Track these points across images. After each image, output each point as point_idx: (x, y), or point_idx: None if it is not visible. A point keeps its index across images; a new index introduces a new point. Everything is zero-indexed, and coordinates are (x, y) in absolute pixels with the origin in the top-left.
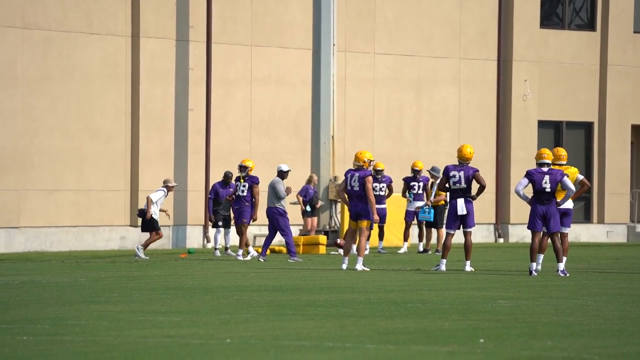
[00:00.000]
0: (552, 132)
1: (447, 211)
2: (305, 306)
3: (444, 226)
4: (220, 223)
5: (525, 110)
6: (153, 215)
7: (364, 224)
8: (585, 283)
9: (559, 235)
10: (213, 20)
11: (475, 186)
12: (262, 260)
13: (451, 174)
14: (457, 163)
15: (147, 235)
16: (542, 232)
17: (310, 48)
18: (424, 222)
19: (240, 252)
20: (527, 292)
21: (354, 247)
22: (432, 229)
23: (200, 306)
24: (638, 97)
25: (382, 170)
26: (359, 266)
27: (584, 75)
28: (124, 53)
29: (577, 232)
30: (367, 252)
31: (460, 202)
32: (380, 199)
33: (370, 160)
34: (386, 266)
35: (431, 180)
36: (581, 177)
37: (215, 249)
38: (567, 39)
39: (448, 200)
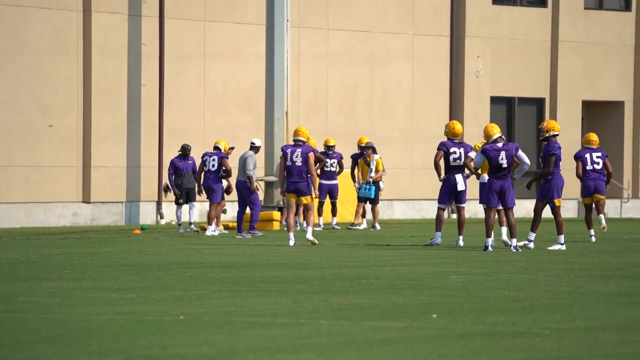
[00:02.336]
0: (505, 107)
1: (441, 186)
2: (259, 282)
3: (438, 201)
4: (181, 200)
5: (477, 86)
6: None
7: (306, 199)
8: (537, 258)
9: (512, 211)
10: None
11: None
12: (241, 236)
13: (451, 150)
14: (446, 139)
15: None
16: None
17: (264, 23)
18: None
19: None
20: (480, 268)
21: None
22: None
23: (154, 283)
24: (589, 73)
25: (333, 146)
26: (309, 235)
27: (535, 51)
28: (75, 28)
29: (528, 208)
30: (320, 228)
31: (460, 177)
32: (331, 175)
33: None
34: (340, 242)
35: (370, 156)
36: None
37: (179, 224)
38: (519, 15)
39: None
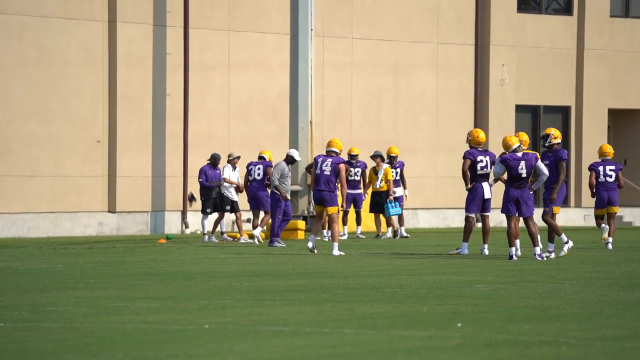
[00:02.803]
0: (530, 116)
1: (468, 194)
2: (283, 291)
3: (465, 209)
4: (208, 210)
5: (502, 94)
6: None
7: (332, 210)
8: (563, 267)
9: (532, 219)
10: (190, 5)
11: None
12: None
13: (478, 158)
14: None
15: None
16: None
17: (288, 33)
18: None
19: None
20: (505, 276)
21: (325, 232)
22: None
23: (179, 292)
24: (614, 81)
25: (357, 155)
26: (335, 251)
27: (561, 59)
28: (100, 38)
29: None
30: (345, 237)
31: (487, 185)
32: (355, 184)
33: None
34: (364, 251)
35: (379, 165)
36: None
37: (204, 234)
38: (544, 23)
39: (469, 184)
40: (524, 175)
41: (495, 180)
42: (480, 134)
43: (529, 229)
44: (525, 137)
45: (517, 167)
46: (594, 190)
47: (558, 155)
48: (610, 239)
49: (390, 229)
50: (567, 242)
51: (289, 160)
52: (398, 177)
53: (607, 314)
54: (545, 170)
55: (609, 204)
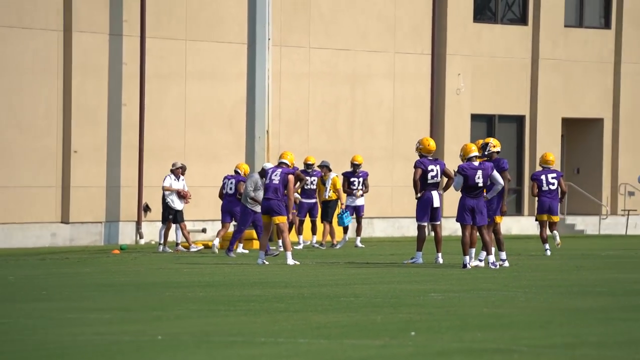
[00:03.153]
0: (485, 125)
1: (418, 203)
2: (237, 301)
3: (416, 218)
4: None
5: (458, 103)
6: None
7: (279, 219)
8: (516, 275)
9: (487, 228)
10: (147, 15)
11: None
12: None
13: (429, 167)
14: (418, 156)
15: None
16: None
17: (245, 42)
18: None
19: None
20: (458, 285)
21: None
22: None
23: (132, 303)
24: (569, 91)
25: (312, 165)
26: (290, 261)
27: (516, 69)
28: (55, 48)
29: (508, 225)
30: (301, 246)
31: (436, 194)
32: (310, 194)
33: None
34: (319, 260)
35: (327, 174)
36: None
37: (160, 244)
38: (499, 33)
39: (420, 193)
40: (481, 184)
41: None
42: (431, 142)
43: (483, 238)
44: (473, 146)
45: (474, 176)
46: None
47: (499, 164)
48: (548, 245)
49: (335, 238)
50: (481, 261)
51: (263, 173)
52: (361, 187)
53: (558, 321)
54: (501, 180)
55: (549, 211)
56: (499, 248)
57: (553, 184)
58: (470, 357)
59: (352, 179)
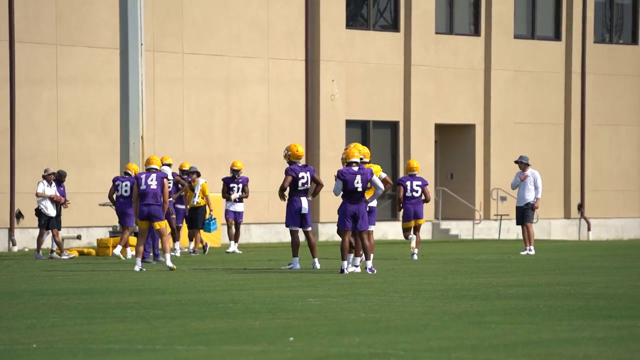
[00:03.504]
0: (360, 131)
1: (287, 208)
2: (114, 309)
3: (286, 224)
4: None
5: (333, 109)
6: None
7: (160, 225)
8: (392, 280)
9: (368, 233)
10: (16, 19)
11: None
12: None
13: (300, 174)
14: (299, 166)
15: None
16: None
17: (118, 47)
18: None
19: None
20: (336, 290)
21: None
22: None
23: (5, 311)
24: (441, 97)
25: (187, 170)
26: (168, 262)
27: (389, 75)
28: None
29: (384, 230)
30: (177, 253)
31: (305, 200)
32: (180, 200)
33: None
34: (197, 266)
35: (195, 180)
36: (384, 175)
37: (39, 250)
38: (372, 39)
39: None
40: (360, 189)
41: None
42: (299, 148)
43: (363, 243)
44: (366, 150)
45: (353, 181)
46: (401, 205)
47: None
48: (417, 250)
49: (200, 244)
50: (357, 266)
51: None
52: (241, 192)
53: (434, 325)
54: (380, 185)
55: (415, 217)
56: (361, 255)
57: (417, 191)
58: None
59: (231, 185)
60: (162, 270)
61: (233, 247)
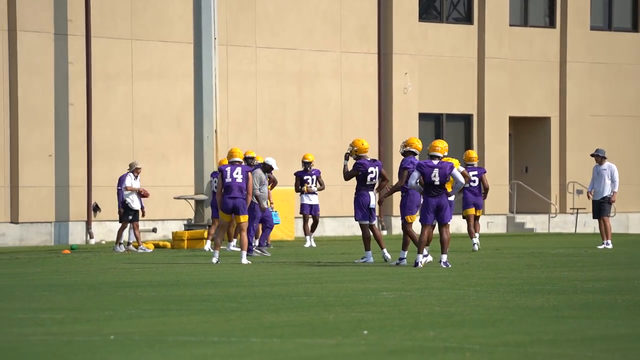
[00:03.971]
0: (433, 124)
1: (355, 202)
2: (190, 301)
3: (358, 217)
4: (130, 217)
5: (406, 103)
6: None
7: (244, 218)
8: (467, 274)
9: (446, 227)
10: (92, 14)
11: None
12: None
13: (369, 169)
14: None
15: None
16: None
17: (192, 42)
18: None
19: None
20: (410, 284)
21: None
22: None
23: (84, 303)
24: (515, 89)
25: (254, 158)
26: (244, 260)
27: (462, 68)
28: (0, 47)
29: (458, 224)
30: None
31: (372, 195)
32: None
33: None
34: (271, 260)
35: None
36: (462, 169)
37: (120, 243)
38: (445, 32)
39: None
40: (437, 183)
41: (419, 189)
42: (365, 142)
43: (442, 236)
44: (445, 144)
45: (430, 174)
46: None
47: (401, 163)
48: (476, 240)
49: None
50: (426, 256)
51: (266, 168)
52: (315, 184)
53: (510, 319)
54: (461, 179)
55: (475, 206)
56: (404, 248)
57: (474, 181)
58: (422, 355)
59: (305, 177)
60: (237, 263)
61: (309, 241)
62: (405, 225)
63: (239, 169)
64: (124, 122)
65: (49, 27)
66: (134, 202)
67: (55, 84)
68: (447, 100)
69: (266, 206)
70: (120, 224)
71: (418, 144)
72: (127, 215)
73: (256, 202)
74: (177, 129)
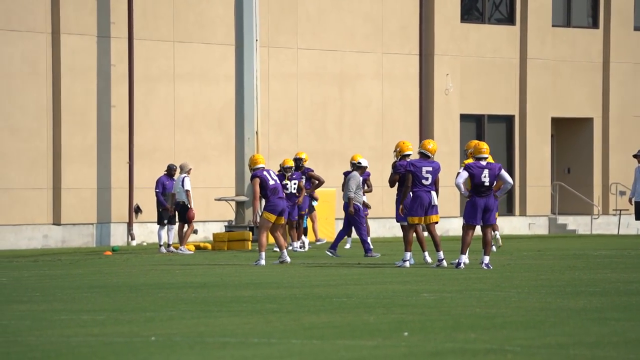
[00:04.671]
0: (474, 125)
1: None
2: (230, 302)
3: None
4: (165, 220)
5: (447, 104)
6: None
7: (284, 219)
8: (508, 275)
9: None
10: (134, 16)
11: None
12: (331, 254)
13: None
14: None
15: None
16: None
17: (233, 43)
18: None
19: (297, 244)
20: (451, 285)
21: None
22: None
23: (125, 304)
24: (557, 90)
25: (290, 167)
26: (287, 258)
27: (504, 68)
28: (44, 50)
29: (499, 225)
30: (307, 247)
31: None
32: (290, 197)
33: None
34: (311, 261)
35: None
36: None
37: (160, 245)
38: (487, 33)
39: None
40: (487, 183)
41: (464, 192)
42: (407, 144)
43: (485, 237)
44: (485, 146)
45: (480, 175)
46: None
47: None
48: (497, 234)
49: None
50: (442, 260)
51: (361, 169)
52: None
53: (551, 321)
54: (509, 179)
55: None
56: (437, 248)
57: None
58: (463, 357)
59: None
60: (276, 265)
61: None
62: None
63: (272, 172)
64: (166, 124)
65: (92, 30)
66: (191, 203)
67: (97, 86)
68: (488, 101)
69: (358, 208)
70: (160, 226)
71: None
72: (182, 215)
73: (356, 203)
74: (218, 131)
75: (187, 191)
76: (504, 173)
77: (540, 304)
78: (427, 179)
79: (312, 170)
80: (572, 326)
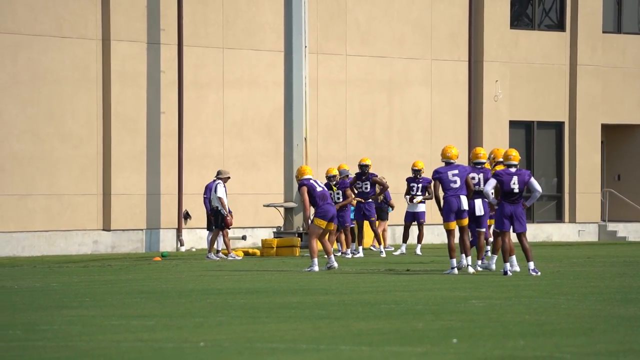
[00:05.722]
0: (524, 132)
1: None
2: (279, 308)
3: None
4: (214, 226)
5: (496, 110)
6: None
7: (334, 226)
8: (557, 282)
9: (525, 235)
10: (184, 23)
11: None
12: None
13: (471, 175)
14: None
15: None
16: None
17: (282, 50)
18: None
19: (349, 250)
20: (500, 292)
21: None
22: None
23: (174, 310)
24: (608, 97)
25: (334, 176)
26: (334, 263)
27: (554, 75)
28: (94, 56)
29: (549, 232)
30: (361, 253)
31: (464, 199)
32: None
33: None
34: (360, 267)
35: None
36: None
37: (209, 251)
38: (537, 39)
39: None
40: (516, 190)
41: (493, 199)
42: (453, 150)
43: (523, 245)
44: (515, 152)
45: (510, 182)
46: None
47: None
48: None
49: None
50: (461, 264)
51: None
52: (420, 192)
53: (601, 329)
54: (538, 187)
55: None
56: (466, 253)
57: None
58: None
59: (412, 184)
60: (324, 271)
61: (417, 249)
62: (447, 234)
63: (318, 181)
64: (215, 130)
65: (142, 37)
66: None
67: (147, 93)
68: (538, 107)
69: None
70: (211, 232)
71: (454, 151)
72: (220, 222)
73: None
74: (267, 137)
75: (219, 198)
76: (533, 181)
77: (590, 312)
78: (454, 182)
79: (376, 176)
80: (621, 334)
